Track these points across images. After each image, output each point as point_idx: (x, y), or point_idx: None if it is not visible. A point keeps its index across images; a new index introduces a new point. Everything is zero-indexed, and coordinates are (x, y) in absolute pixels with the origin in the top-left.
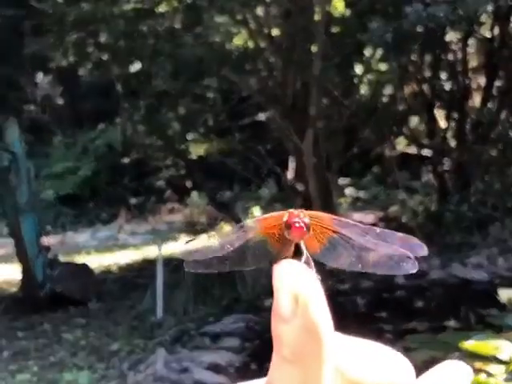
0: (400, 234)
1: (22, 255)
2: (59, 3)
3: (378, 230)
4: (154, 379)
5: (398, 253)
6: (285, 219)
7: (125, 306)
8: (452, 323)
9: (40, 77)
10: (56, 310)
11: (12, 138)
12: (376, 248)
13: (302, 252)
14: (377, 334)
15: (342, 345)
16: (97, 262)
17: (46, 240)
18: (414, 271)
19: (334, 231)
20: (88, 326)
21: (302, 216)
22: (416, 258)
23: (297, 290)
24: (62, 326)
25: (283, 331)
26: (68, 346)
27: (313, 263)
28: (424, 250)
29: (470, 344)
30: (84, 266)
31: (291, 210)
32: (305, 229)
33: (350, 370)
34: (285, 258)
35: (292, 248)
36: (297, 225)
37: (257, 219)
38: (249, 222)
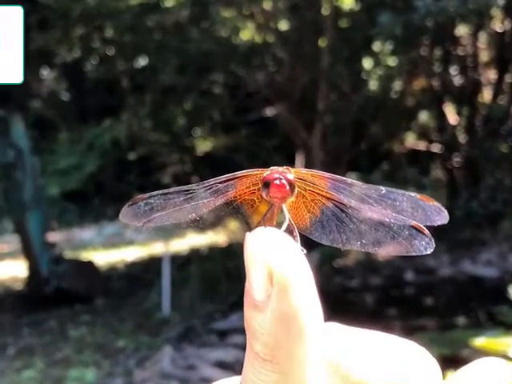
0: (411, 194)
1: (27, 252)
2: None
3: (382, 189)
4: (160, 376)
5: (408, 224)
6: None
7: (131, 302)
8: (461, 320)
9: (45, 72)
10: (62, 306)
11: (17, 133)
12: (379, 217)
13: (283, 218)
14: (386, 332)
15: (343, 338)
16: (103, 258)
17: (52, 236)
18: (429, 251)
19: (328, 197)
20: (94, 322)
21: (285, 172)
22: (434, 228)
23: (272, 265)
24: (68, 323)
25: (255, 320)
26: (74, 343)
27: (297, 232)
28: (444, 216)
29: (480, 341)
30: (90, 263)
31: (274, 167)
32: (287, 187)
33: (352, 369)
34: (262, 226)
35: (273, 214)
36: (277, 182)
37: (230, 178)
38: (219, 183)
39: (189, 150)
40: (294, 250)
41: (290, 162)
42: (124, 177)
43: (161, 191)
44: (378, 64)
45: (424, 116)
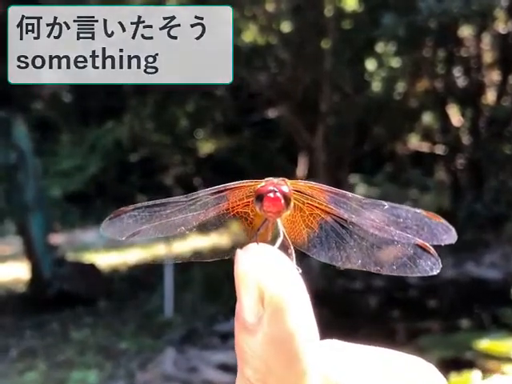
0: (416, 211)
1: (29, 253)
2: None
3: (385, 204)
4: (162, 378)
5: (413, 242)
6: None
7: (133, 304)
8: (465, 323)
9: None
10: (64, 308)
11: (19, 135)
12: (382, 234)
13: (278, 233)
14: (389, 334)
15: (344, 358)
16: (105, 260)
17: (54, 238)
18: (435, 272)
19: (327, 212)
20: (96, 324)
21: (281, 184)
22: (440, 248)
23: (263, 286)
24: (70, 325)
25: (246, 344)
26: (76, 345)
27: (293, 249)
28: (452, 236)
29: (483, 344)
30: (92, 265)
31: (270, 178)
32: (282, 201)
33: None
34: (254, 242)
35: (267, 229)
36: (271, 195)
37: (221, 190)
38: (209, 195)
39: (191, 151)
40: (288, 269)
41: (293, 164)
42: (126, 178)
43: (146, 203)
44: (381, 65)
45: (427, 118)
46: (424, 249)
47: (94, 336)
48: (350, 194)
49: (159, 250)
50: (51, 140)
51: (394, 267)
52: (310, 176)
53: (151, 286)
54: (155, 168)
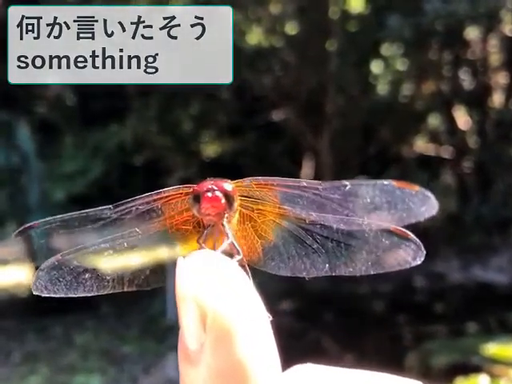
0: (384, 183)
1: (32, 257)
2: (69, 2)
3: (347, 184)
4: (165, 383)
5: (386, 229)
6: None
7: (136, 309)
8: (472, 327)
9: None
10: (67, 312)
11: (22, 137)
12: (348, 227)
13: (225, 236)
14: (395, 339)
15: None
16: (107, 264)
17: (57, 241)
18: (419, 261)
19: (281, 214)
20: (99, 328)
21: (221, 182)
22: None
23: (204, 305)
24: (73, 329)
25: (187, 377)
26: (79, 349)
27: (242, 254)
28: (431, 205)
29: (490, 348)
30: (94, 268)
31: (207, 179)
32: (222, 200)
33: None
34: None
35: (211, 236)
36: (208, 194)
37: (154, 199)
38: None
39: (195, 154)
40: (236, 280)
41: (298, 166)
42: (129, 181)
43: (59, 217)
44: (386, 67)
45: (434, 120)
46: (401, 235)
47: (97, 340)
48: (304, 183)
49: (162, 253)
50: (54, 143)
51: (370, 264)
52: (316, 179)
53: (154, 289)
54: (159, 171)
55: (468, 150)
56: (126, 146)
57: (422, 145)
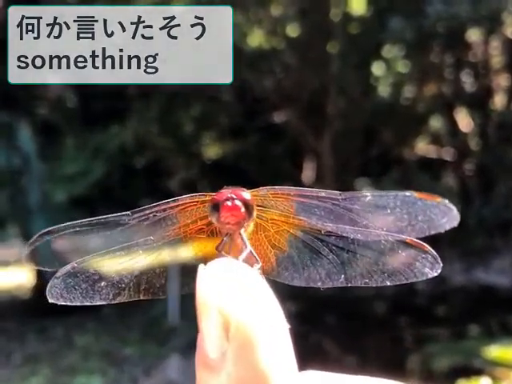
0: (406, 194)
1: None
2: (69, 2)
3: (367, 195)
4: None
5: (403, 241)
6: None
7: (138, 310)
8: (474, 330)
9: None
10: (68, 314)
11: (23, 139)
12: (365, 238)
13: (243, 247)
14: (397, 341)
15: None
16: (109, 265)
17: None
18: (435, 273)
19: (296, 225)
20: (100, 330)
21: (240, 191)
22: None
23: (227, 313)
24: (74, 331)
25: None
26: (80, 351)
27: (259, 260)
28: (453, 216)
29: (492, 351)
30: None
31: (225, 188)
32: (242, 209)
33: None
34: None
35: (230, 246)
36: (228, 203)
37: (170, 206)
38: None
39: (196, 155)
40: (259, 290)
41: (299, 168)
42: (130, 183)
43: (77, 222)
44: (388, 69)
45: (435, 122)
46: (417, 247)
47: (98, 342)
48: (323, 193)
49: (164, 255)
50: (55, 144)
51: (386, 276)
52: (317, 180)
53: None
54: (160, 172)
55: (470, 152)
56: (127, 147)
57: (423, 147)
